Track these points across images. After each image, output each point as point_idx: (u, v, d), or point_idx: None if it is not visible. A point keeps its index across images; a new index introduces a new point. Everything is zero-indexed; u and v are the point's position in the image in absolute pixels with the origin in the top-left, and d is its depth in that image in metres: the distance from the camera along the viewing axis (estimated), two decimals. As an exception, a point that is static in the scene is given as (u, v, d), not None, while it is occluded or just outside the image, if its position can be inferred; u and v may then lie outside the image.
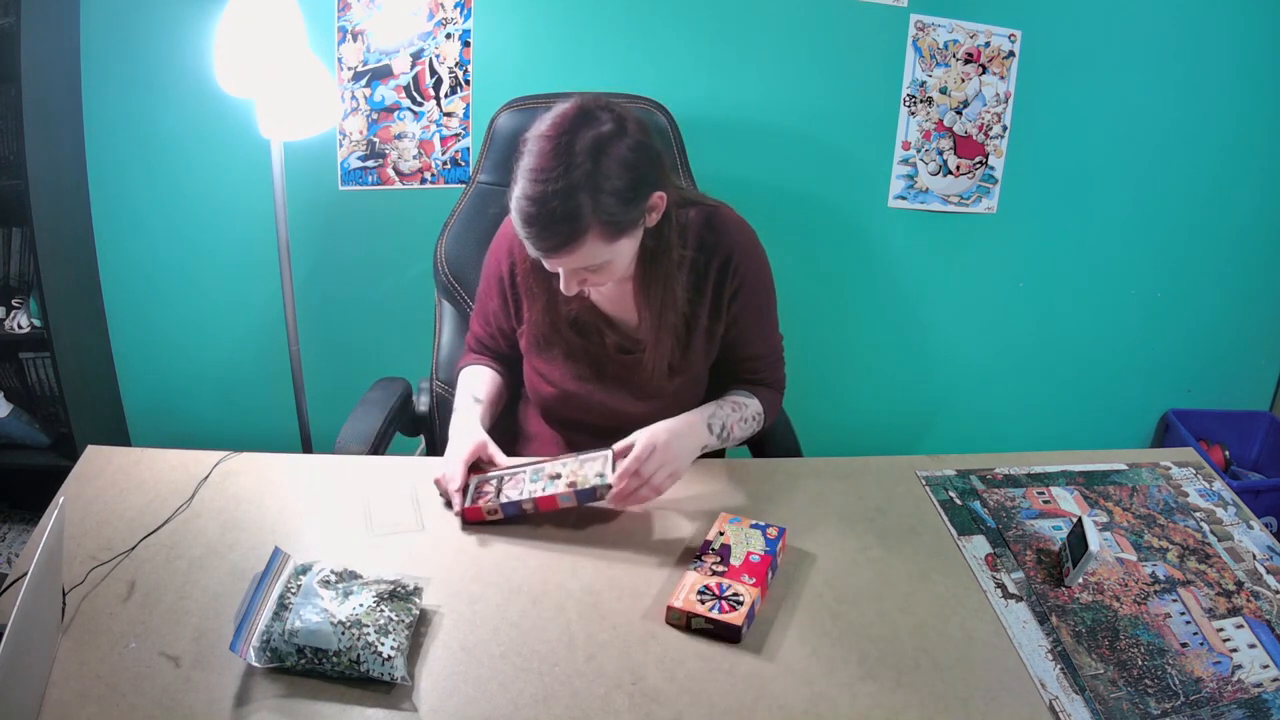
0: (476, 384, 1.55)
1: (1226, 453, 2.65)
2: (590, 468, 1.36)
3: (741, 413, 1.49)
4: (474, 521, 1.33)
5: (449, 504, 1.37)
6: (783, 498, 1.44)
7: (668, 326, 1.44)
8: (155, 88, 2.15)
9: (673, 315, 1.43)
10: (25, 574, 0.93)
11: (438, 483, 1.39)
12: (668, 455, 1.34)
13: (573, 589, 1.23)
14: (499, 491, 1.35)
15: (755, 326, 1.52)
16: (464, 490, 1.36)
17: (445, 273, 1.78)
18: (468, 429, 1.44)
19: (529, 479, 1.37)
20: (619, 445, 1.37)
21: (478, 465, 1.40)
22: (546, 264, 1.33)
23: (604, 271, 1.32)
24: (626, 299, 1.46)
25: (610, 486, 1.32)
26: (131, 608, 1.15)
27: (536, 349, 1.51)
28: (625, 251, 1.32)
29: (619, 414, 1.50)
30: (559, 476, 1.36)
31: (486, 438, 1.42)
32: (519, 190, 1.25)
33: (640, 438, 1.35)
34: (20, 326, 2.14)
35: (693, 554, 1.29)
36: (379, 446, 1.61)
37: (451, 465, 1.38)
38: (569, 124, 1.25)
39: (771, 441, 1.65)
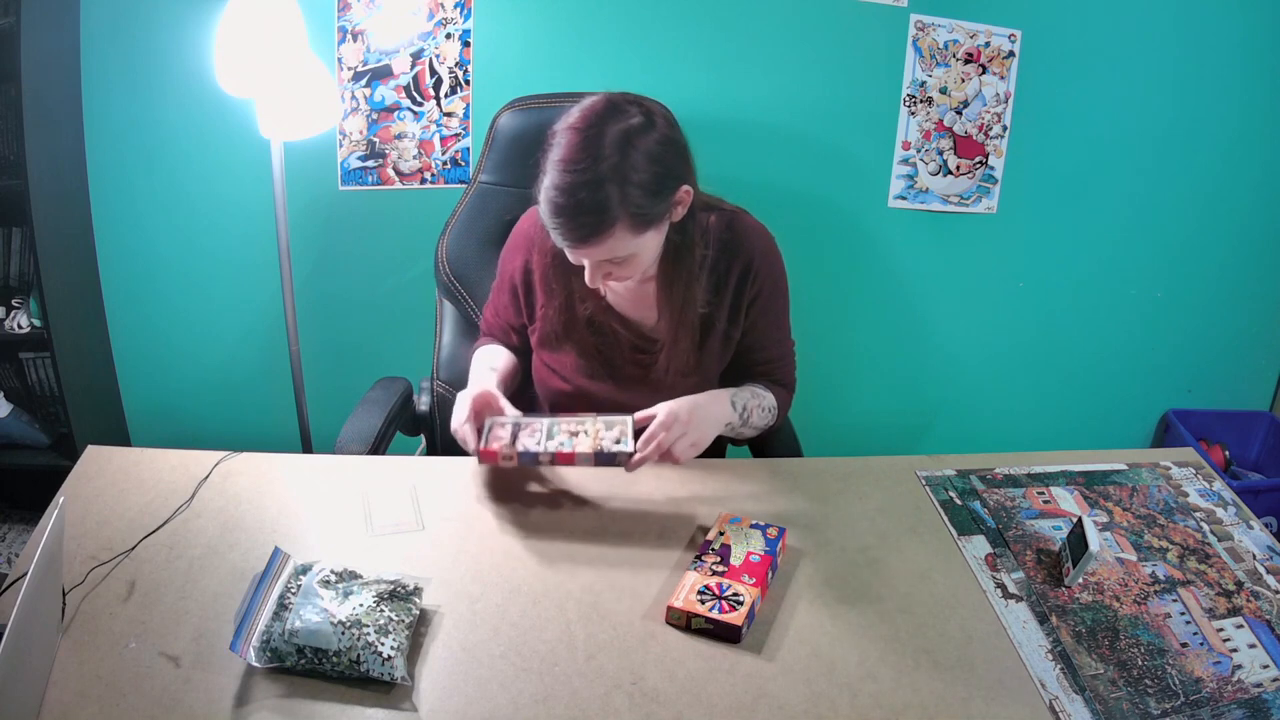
0: (493, 357, 1.57)
1: (1226, 453, 2.64)
2: (610, 433, 1.36)
3: (760, 400, 1.51)
4: (488, 463, 1.34)
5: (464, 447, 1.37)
6: (783, 498, 1.44)
7: (687, 325, 1.44)
8: (155, 88, 2.14)
9: (693, 314, 1.44)
10: (25, 574, 0.93)
11: (455, 433, 1.38)
12: (690, 425, 1.35)
13: (573, 589, 1.23)
14: (515, 438, 1.35)
15: (771, 331, 1.53)
16: (479, 431, 1.36)
17: (446, 272, 1.78)
18: (479, 383, 1.44)
19: (546, 432, 1.36)
20: (640, 414, 1.38)
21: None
22: (572, 256, 1.33)
23: (629, 264, 1.33)
24: (644, 299, 1.47)
25: (631, 454, 1.32)
26: (131, 608, 1.15)
27: (548, 345, 1.52)
28: (651, 245, 1.33)
29: (631, 411, 1.50)
30: (577, 435, 1.36)
31: (496, 390, 1.42)
32: (548, 181, 1.26)
33: (663, 408, 1.36)
34: (20, 326, 2.14)
35: (693, 554, 1.29)
36: (379, 446, 1.61)
37: (460, 405, 1.37)
38: (597, 116, 1.26)
39: (771, 441, 1.65)
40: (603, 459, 1.32)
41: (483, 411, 1.39)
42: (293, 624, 1.07)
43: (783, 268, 1.51)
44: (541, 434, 1.36)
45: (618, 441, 1.34)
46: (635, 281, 1.43)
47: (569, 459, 1.33)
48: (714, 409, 1.41)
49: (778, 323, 1.54)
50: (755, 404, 1.49)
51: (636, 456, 1.32)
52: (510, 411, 1.40)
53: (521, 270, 1.51)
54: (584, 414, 1.41)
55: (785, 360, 1.58)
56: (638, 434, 1.36)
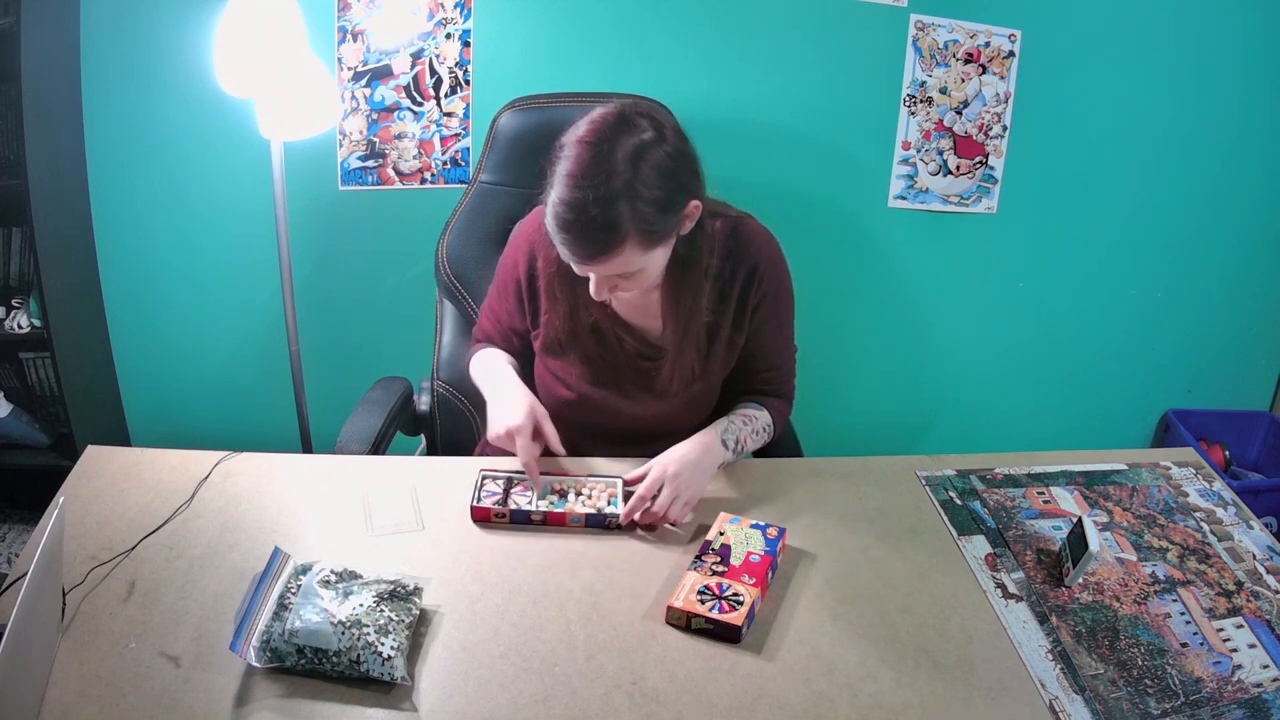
0: (501, 356, 1.56)
1: (1226, 453, 2.64)
2: (600, 494, 1.38)
3: (753, 425, 1.50)
4: (480, 520, 1.34)
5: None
6: (783, 498, 1.44)
7: (692, 336, 1.43)
8: (155, 88, 2.14)
9: (698, 326, 1.43)
10: (25, 574, 0.93)
11: (501, 437, 1.38)
12: (679, 486, 1.34)
13: (573, 589, 1.23)
14: (507, 495, 1.36)
15: (775, 338, 1.52)
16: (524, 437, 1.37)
17: (447, 272, 1.78)
18: (522, 391, 1.44)
19: (536, 490, 1.38)
20: (631, 475, 1.39)
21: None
22: (578, 269, 1.32)
23: (636, 278, 1.32)
24: (649, 307, 1.46)
25: (619, 518, 1.34)
26: (131, 608, 1.15)
27: (552, 351, 1.51)
28: (659, 259, 1.32)
29: (634, 418, 1.50)
30: (566, 494, 1.38)
31: (540, 407, 1.42)
32: (556, 195, 1.24)
33: (651, 471, 1.36)
34: (20, 326, 2.14)
35: (693, 554, 1.29)
36: (379, 446, 1.61)
37: (510, 407, 1.38)
38: (608, 130, 1.24)
39: (772, 441, 1.65)
40: (594, 521, 1.34)
41: (536, 419, 1.39)
42: (293, 624, 1.07)
43: (788, 274, 1.51)
44: (533, 492, 1.38)
45: (608, 504, 1.37)
46: (640, 292, 1.43)
47: (560, 519, 1.34)
48: (705, 460, 1.39)
49: (780, 329, 1.53)
50: (748, 431, 1.48)
51: (624, 520, 1.33)
52: (553, 439, 1.41)
53: (525, 275, 1.50)
54: (575, 473, 1.43)
55: (785, 369, 1.57)
56: (629, 494, 1.37)
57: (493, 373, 1.52)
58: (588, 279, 1.34)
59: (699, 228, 1.37)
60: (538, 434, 1.40)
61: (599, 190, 1.21)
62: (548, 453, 1.44)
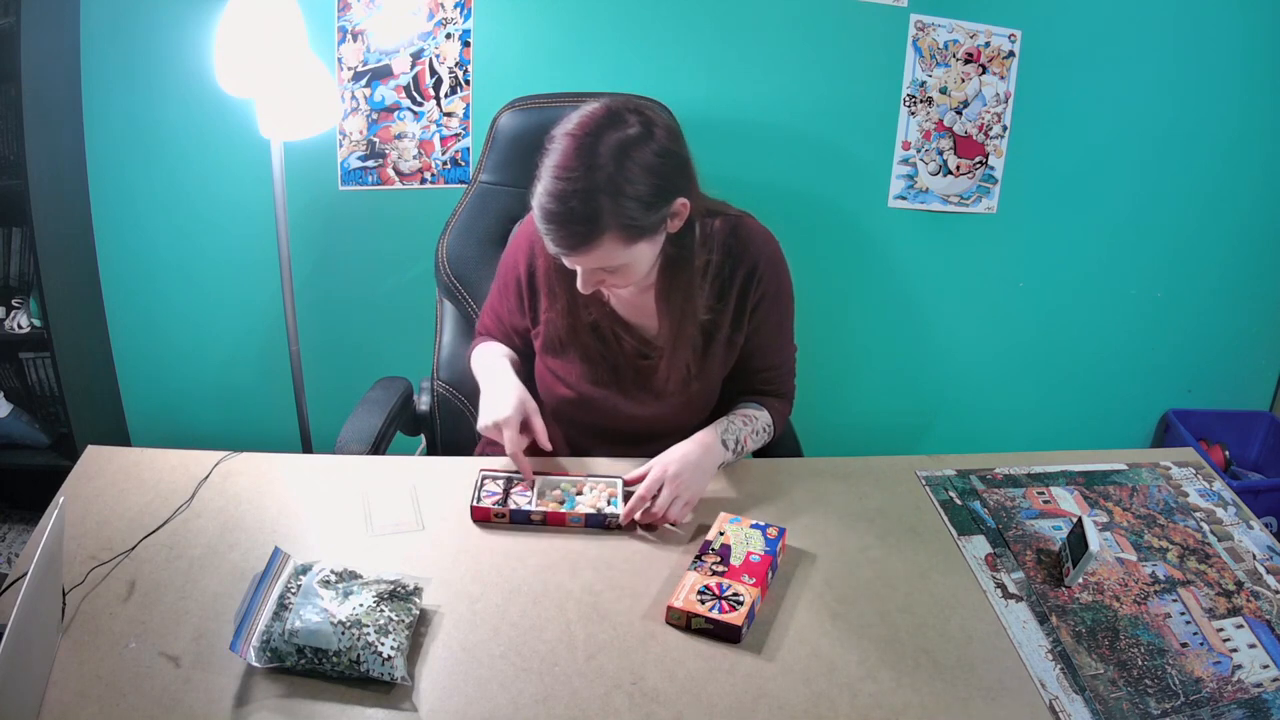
0: (500, 349, 1.57)
1: (1226, 453, 2.64)
2: (600, 494, 1.38)
3: (753, 425, 1.50)
4: (480, 520, 1.34)
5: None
6: (783, 498, 1.44)
7: (686, 337, 1.43)
8: (155, 87, 2.14)
9: (692, 325, 1.43)
10: (25, 574, 0.93)
11: (489, 428, 1.39)
12: (679, 486, 1.34)
13: (573, 589, 1.23)
14: (507, 495, 1.37)
15: (774, 338, 1.52)
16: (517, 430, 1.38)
17: (447, 272, 1.78)
18: (512, 380, 1.45)
19: (536, 491, 1.38)
20: (631, 475, 1.39)
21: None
22: (565, 262, 1.34)
23: (621, 273, 1.32)
24: (647, 306, 1.46)
25: (619, 518, 1.34)
26: (131, 608, 1.15)
27: (553, 350, 1.51)
28: (644, 255, 1.32)
29: (634, 418, 1.50)
30: (566, 496, 1.38)
31: (531, 401, 1.43)
32: (541, 186, 1.26)
33: (651, 471, 1.36)
34: (20, 326, 2.14)
35: (693, 554, 1.29)
36: (379, 446, 1.61)
37: (499, 399, 1.40)
38: (595, 125, 1.25)
39: (772, 441, 1.65)
40: (593, 521, 1.34)
41: (526, 412, 1.41)
42: (293, 624, 1.07)
43: (788, 273, 1.51)
44: (532, 492, 1.38)
45: (608, 504, 1.37)
46: (636, 290, 1.43)
47: (560, 519, 1.34)
48: (705, 460, 1.39)
49: (780, 329, 1.53)
50: (748, 430, 1.48)
51: (624, 520, 1.34)
52: (541, 433, 1.42)
53: (525, 273, 1.51)
54: (574, 474, 1.43)
55: (785, 369, 1.57)
56: (629, 494, 1.38)
57: (488, 364, 1.53)
58: None
59: (691, 227, 1.37)
60: (526, 428, 1.40)
61: (580, 183, 1.22)
62: (540, 452, 1.45)
